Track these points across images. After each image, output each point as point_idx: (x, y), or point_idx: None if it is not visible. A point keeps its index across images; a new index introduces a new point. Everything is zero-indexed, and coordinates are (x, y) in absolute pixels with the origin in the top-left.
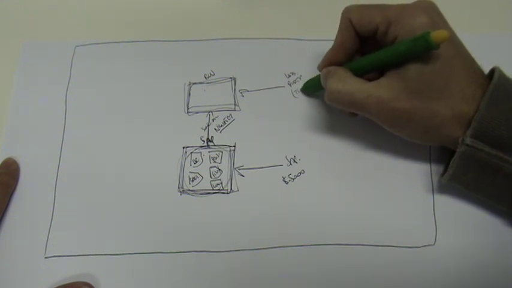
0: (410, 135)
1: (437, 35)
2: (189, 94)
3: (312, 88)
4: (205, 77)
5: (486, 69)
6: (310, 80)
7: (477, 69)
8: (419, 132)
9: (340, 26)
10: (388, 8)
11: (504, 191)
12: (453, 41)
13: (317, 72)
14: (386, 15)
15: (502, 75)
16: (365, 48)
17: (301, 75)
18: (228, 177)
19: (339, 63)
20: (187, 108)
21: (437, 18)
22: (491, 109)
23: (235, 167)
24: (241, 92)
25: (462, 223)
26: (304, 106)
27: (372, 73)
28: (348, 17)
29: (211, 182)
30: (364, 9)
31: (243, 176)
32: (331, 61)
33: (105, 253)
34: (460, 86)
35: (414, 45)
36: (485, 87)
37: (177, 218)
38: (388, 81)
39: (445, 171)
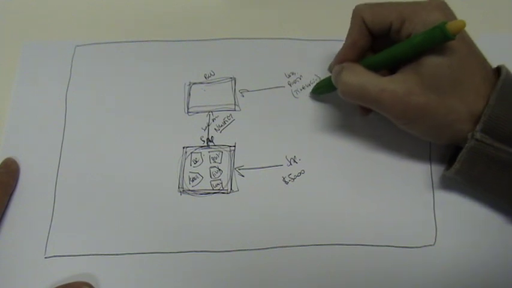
0: (423, 132)
1: (454, 24)
2: (189, 94)
3: (323, 89)
4: (205, 77)
5: None
6: (321, 81)
7: (488, 67)
8: (433, 128)
9: (351, 24)
10: (402, 5)
11: (510, 187)
12: (466, 38)
13: (316, 72)
14: (399, 13)
15: (509, 72)
16: (376, 46)
17: (301, 75)
18: (228, 177)
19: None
20: (188, 108)
21: (450, 15)
22: (501, 104)
23: (235, 167)
24: (241, 92)
25: (462, 223)
26: (304, 106)
27: (384, 70)
28: (360, 16)
29: (211, 182)
30: (377, 7)
31: (243, 176)
32: (343, 60)
33: (105, 253)
34: (474, 82)
35: (430, 35)
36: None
37: (177, 218)
38: (403, 75)
39: (449, 165)
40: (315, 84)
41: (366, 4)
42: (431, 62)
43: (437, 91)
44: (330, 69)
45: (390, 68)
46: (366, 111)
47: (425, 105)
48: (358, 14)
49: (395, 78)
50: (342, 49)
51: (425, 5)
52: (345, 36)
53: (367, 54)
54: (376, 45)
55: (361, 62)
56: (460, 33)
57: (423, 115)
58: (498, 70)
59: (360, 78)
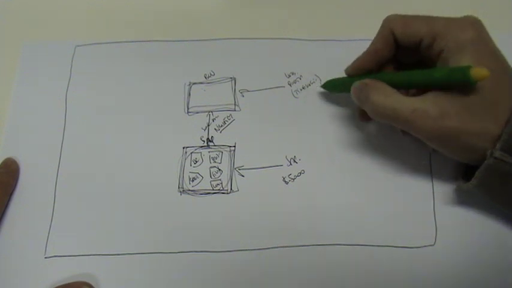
0: (454, 152)
1: (477, 72)
2: (189, 94)
3: (336, 89)
4: (205, 77)
5: None
6: (334, 80)
7: None
8: (464, 150)
9: (378, 33)
10: (434, 20)
11: None
12: (500, 59)
13: (316, 72)
14: (432, 28)
15: None
16: (401, 56)
17: (301, 75)
18: (228, 177)
19: (369, 69)
20: (187, 108)
21: (484, 34)
22: None
23: (235, 167)
24: (241, 92)
25: (462, 223)
26: (304, 106)
27: (402, 89)
28: (390, 27)
29: (211, 182)
30: (409, 20)
31: (243, 176)
32: (362, 66)
33: (105, 253)
34: (508, 103)
35: (452, 76)
36: None
37: (177, 218)
38: (435, 97)
39: (465, 176)
40: (315, 87)
41: (398, 15)
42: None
43: (471, 114)
44: (347, 71)
45: (410, 89)
46: (366, 118)
47: (458, 127)
48: (388, 24)
49: (427, 98)
50: (362, 55)
51: (459, 21)
52: (345, 36)
53: (387, 63)
54: (403, 55)
55: (379, 76)
56: (493, 52)
57: (456, 137)
58: None
59: (390, 99)
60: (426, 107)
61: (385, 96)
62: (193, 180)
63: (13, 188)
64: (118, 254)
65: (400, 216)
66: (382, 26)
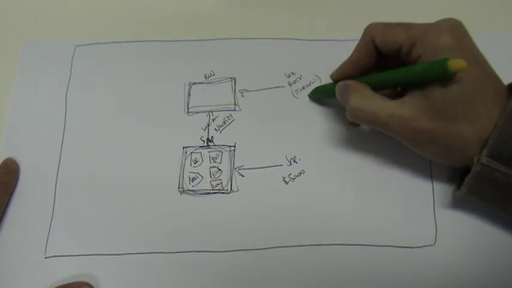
0: (432, 155)
1: (455, 63)
2: (189, 94)
3: (323, 95)
4: (205, 77)
5: None
6: (321, 86)
7: (501, 87)
8: (442, 152)
9: (360, 41)
10: (413, 28)
11: None
12: (480, 61)
13: (316, 72)
14: (410, 35)
15: None
16: (383, 62)
17: (301, 75)
18: (228, 177)
19: (353, 76)
20: (187, 108)
21: (463, 38)
22: (507, 128)
23: (235, 167)
24: (241, 92)
25: (462, 223)
26: (304, 106)
27: (387, 89)
28: (371, 35)
29: (211, 182)
30: (388, 29)
31: (243, 176)
32: (346, 74)
33: (105, 253)
34: (486, 106)
35: (430, 69)
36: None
37: (177, 218)
38: (412, 100)
39: (459, 184)
40: (314, 87)
41: (378, 24)
42: (440, 87)
43: (446, 116)
44: (332, 77)
45: (393, 88)
46: (355, 124)
47: (433, 130)
48: (368, 32)
49: (405, 102)
50: (345, 63)
51: (437, 27)
52: (345, 36)
53: (371, 70)
54: (384, 62)
55: (363, 78)
56: (472, 54)
57: (431, 139)
58: (510, 89)
59: (368, 102)
60: (403, 111)
61: (363, 100)
62: (193, 180)
63: (13, 188)
64: (118, 254)
65: (400, 216)
66: (363, 35)
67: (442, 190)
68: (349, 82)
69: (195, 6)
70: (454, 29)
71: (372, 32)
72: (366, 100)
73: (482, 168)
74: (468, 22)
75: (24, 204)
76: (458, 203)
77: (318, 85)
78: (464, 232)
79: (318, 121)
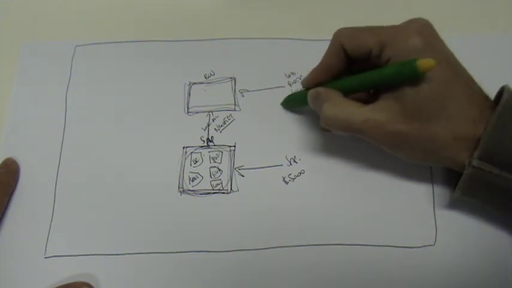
0: (411, 158)
1: (423, 63)
2: (189, 94)
3: (296, 103)
4: (205, 77)
5: (485, 71)
6: (292, 95)
7: (477, 89)
8: (419, 154)
9: (329, 48)
10: (382, 31)
11: None
12: (450, 61)
13: None
14: (379, 38)
15: (510, 98)
16: (354, 67)
17: (301, 75)
18: (228, 177)
19: (325, 82)
20: (187, 108)
21: (432, 39)
22: (499, 130)
23: (235, 167)
24: (241, 92)
25: (462, 223)
26: (304, 106)
27: (359, 93)
28: (339, 41)
29: (211, 182)
30: (356, 33)
31: (243, 176)
32: (317, 80)
33: (105, 253)
34: (459, 107)
35: (400, 70)
36: (487, 107)
37: (177, 218)
38: (385, 104)
39: (455, 185)
40: (286, 96)
41: (346, 29)
42: (412, 89)
43: (420, 118)
44: (303, 84)
45: (365, 91)
46: (328, 130)
47: (407, 133)
48: (337, 38)
49: (377, 106)
50: (315, 69)
51: (405, 29)
52: None
53: (342, 74)
54: (356, 66)
55: (334, 83)
56: (441, 55)
57: (406, 142)
58: (499, 93)
59: (341, 110)
60: (376, 116)
61: (336, 108)
62: (193, 180)
63: (13, 188)
64: (118, 254)
65: (400, 216)
66: (332, 40)
67: (442, 190)
68: (321, 90)
69: (195, 6)
70: (423, 30)
71: (340, 38)
72: (339, 108)
73: (474, 171)
74: (468, 22)
75: (24, 204)
76: (458, 203)
77: (289, 94)
78: (464, 232)
79: (318, 121)
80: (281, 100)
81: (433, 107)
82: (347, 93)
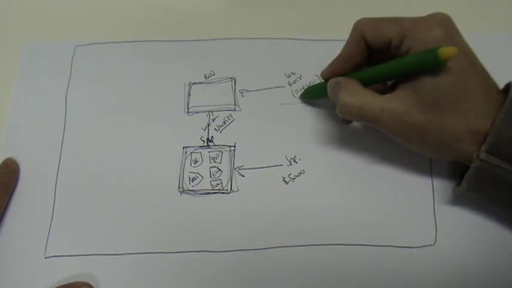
0: (423, 150)
1: (445, 51)
2: (189, 94)
3: (315, 95)
4: (205, 77)
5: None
6: (312, 86)
7: (492, 83)
8: (432, 146)
9: (349, 38)
10: (402, 21)
11: None
12: (468, 54)
13: (316, 72)
14: (400, 29)
15: None
16: (373, 59)
17: (301, 75)
18: (228, 177)
19: (344, 74)
20: (187, 108)
21: (453, 32)
22: (508, 124)
23: (235, 167)
24: (241, 92)
25: (462, 223)
26: (304, 106)
27: (379, 83)
28: (360, 30)
29: (211, 182)
30: (377, 23)
31: (243, 176)
32: (337, 71)
33: (105, 253)
34: (475, 100)
35: (422, 58)
36: (500, 102)
37: (177, 218)
38: (402, 94)
39: (459, 181)
40: (305, 88)
41: (367, 19)
42: (430, 80)
43: (436, 109)
44: (323, 76)
45: (384, 82)
46: (347, 121)
47: (423, 124)
48: (358, 28)
49: (394, 96)
50: (336, 60)
51: (426, 21)
52: (345, 36)
53: (362, 66)
54: (375, 58)
55: (354, 74)
56: (461, 48)
57: (422, 134)
58: (507, 86)
59: (358, 98)
60: (393, 105)
61: (353, 96)
62: (193, 180)
63: (13, 188)
64: (118, 254)
65: (400, 216)
66: (353, 31)
67: (442, 190)
68: (340, 79)
69: (195, 6)
70: (444, 23)
71: (361, 27)
72: (355, 95)
73: (482, 165)
74: (468, 22)
75: (24, 204)
76: (458, 203)
77: (308, 86)
78: (464, 232)
79: (318, 121)
80: (281, 100)
81: (450, 98)
82: (366, 83)
